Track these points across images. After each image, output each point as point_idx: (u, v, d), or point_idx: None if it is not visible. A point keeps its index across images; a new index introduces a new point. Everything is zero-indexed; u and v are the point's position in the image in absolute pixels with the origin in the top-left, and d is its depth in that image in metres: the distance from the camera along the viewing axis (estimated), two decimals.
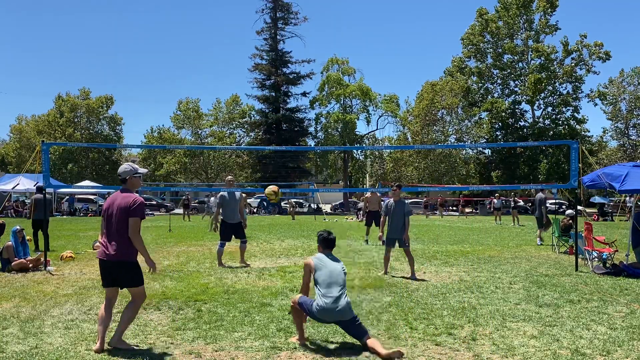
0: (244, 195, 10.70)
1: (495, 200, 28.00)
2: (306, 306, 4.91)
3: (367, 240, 14.49)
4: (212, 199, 21.74)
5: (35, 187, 13.69)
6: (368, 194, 15.10)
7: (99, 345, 4.68)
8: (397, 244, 8.96)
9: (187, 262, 10.57)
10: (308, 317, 5.05)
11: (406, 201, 9.07)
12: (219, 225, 10.06)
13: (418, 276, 8.79)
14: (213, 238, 16.26)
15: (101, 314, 4.83)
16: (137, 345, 4.86)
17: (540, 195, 14.97)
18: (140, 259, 4.86)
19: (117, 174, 4.99)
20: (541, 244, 14.21)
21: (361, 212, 31.89)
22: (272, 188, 9.63)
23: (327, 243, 5.25)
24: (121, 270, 4.75)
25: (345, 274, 5.06)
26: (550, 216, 14.65)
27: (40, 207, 12.76)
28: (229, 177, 10.95)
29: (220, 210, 10.06)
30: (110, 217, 4.79)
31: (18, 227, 9.88)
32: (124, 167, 4.99)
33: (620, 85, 49.99)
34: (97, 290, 7.49)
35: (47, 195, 12.17)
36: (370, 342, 4.71)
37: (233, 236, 10.12)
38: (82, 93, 52.78)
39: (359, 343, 4.93)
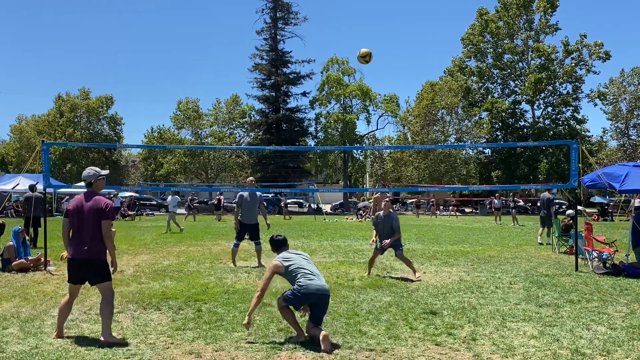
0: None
1: (495, 200, 28.00)
2: (290, 297, 5.05)
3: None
4: (170, 197, 19.99)
5: (28, 187, 13.95)
6: (377, 194, 14.75)
7: (57, 333, 5.16)
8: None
9: (187, 262, 10.57)
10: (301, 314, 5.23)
11: (396, 215, 9.00)
12: (238, 225, 9.96)
13: (418, 276, 8.80)
14: (212, 238, 16.27)
15: (61, 307, 5.18)
16: (126, 340, 5.02)
17: (547, 194, 14.98)
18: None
19: (82, 179, 5.26)
20: (541, 244, 14.21)
21: (360, 211, 31.93)
22: (364, 54, 8.83)
23: (282, 243, 5.55)
24: (92, 268, 5.04)
25: (311, 261, 5.40)
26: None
27: (35, 205, 13.15)
28: (251, 177, 10.95)
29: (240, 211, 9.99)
30: (81, 219, 5.03)
31: (19, 228, 9.89)
32: (88, 171, 5.23)
33: (621, 85, 50.00)
34: (96, 290, 7.48)
35: (40, 194, 12.90)
36: (322, 334, 4.84)
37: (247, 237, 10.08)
38: (82, 93, 52.80)
39: (358, 342, 4.96)
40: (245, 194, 9.92)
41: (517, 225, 23.40)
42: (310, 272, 5.13)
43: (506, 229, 21.02)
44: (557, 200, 32.58)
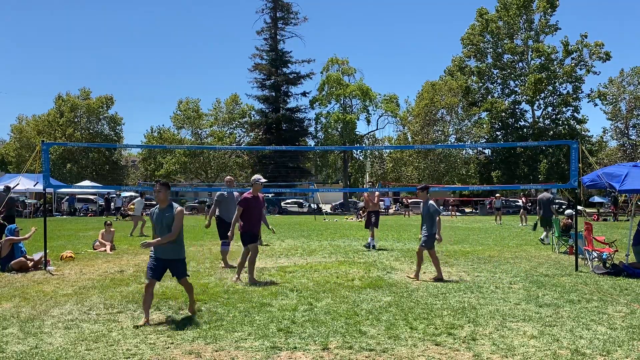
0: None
1: (495, 201, 27.95)
2: None
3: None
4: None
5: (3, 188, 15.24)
6: (365, 194, 14.65)
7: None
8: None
9: (187, 262, 10.53)
10: None
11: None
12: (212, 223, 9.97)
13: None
14: (212, 238, 16.24)
15: (242, 262, 8.44)
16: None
17: (546, 194, 15.26)
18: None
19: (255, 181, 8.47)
20: (549, 244, 14.10)
21: (360, 211, 31.89)
22: None
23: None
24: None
25: None
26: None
27: (9, 205, 14.52)
28: (228, 177, 10.89)
29: (217, 209, 9.99)
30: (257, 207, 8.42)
31: (15, 226, 9.91)
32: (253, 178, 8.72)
33: (620, 85, 49.96)
34: (96, 290, 7.49)
35: (13, 196, 15.23)
36: None
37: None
38: (82, 93, 52.79)
39: (358, 342, 4.96)
40: (226, 192, 9.97)
41: (524, 225, 23.15)
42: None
43: (506, 229, 21.00)
44: (557, 200, 32.64)
